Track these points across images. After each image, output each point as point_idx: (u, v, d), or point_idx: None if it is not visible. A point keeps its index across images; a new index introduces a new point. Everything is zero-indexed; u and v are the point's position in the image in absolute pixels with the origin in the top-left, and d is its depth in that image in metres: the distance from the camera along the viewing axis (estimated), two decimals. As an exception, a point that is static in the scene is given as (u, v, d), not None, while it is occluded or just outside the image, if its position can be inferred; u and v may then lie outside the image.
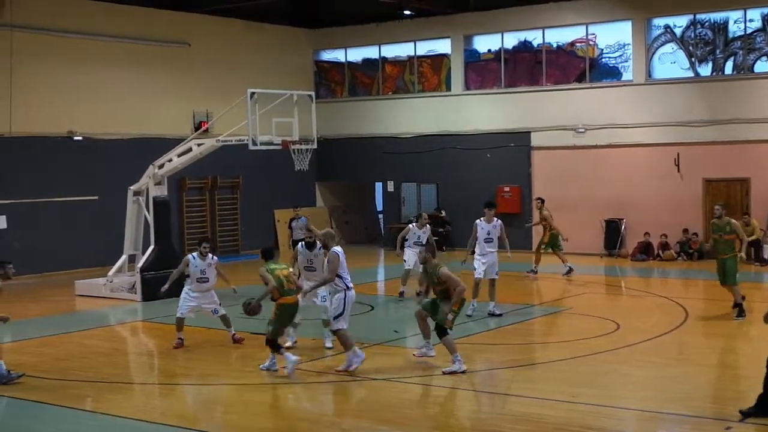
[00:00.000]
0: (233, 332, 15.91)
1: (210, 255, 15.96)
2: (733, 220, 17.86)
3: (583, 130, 28.53)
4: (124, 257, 22.14)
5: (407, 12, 31.08)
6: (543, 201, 24.76)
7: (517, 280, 23.40)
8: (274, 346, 13.58)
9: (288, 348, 14.48)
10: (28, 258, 25.00)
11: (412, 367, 13.99)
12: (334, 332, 13.74)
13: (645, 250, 26.93)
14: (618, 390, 12.48)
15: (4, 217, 24.85)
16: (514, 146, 29.69)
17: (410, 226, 20.37)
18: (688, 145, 26.86)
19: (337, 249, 13.62)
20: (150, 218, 21.58)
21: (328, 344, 15.15)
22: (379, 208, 34.98)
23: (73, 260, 25.71)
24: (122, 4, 27.46)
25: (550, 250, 24.22)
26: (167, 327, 17.05)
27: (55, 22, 26.07)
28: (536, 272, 23.86)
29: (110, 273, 21.97)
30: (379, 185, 34.28)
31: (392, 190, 32.66)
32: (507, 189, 29.45)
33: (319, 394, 12.85)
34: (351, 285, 13.65)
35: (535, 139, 29.47)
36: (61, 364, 14.67)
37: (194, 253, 15.93)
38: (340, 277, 13.55)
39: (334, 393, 12.84)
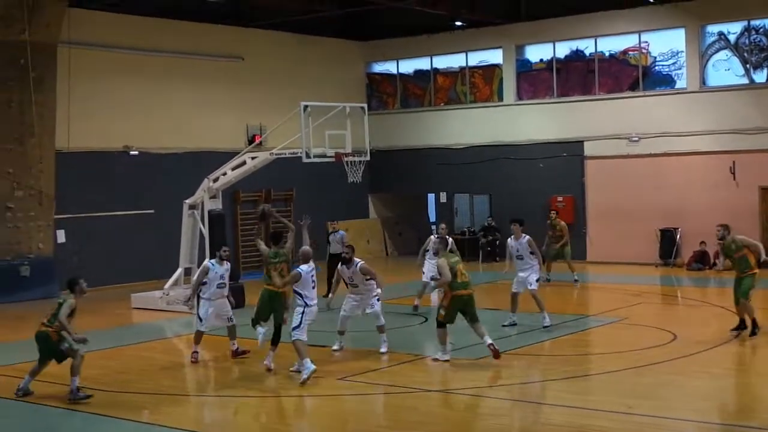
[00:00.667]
0: (236, 346, 15.90)
1: (226, 261, 16.14)
2: (739, 236, 16.76)
3: (636, 138, 28.33)
4: (179, 270, 22.37)
5: (459, 23, 31.13)
6: (558, 212, 25.57)
7: (571, 290, 23.29)
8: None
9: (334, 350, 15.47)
10: (85, 271, 25.12)
11: (468, 378, 13.99)
12: (293, 341, 14.01)
13: (701, 260, 26.63)
14: (675, 401, 12.36)
15: (62, 231, 25.27)
16: (567, 156, 29.57)
17: (432, 237, 20.27)
18: (743, 153, 26.55)
19: (303, 268, 14.01)
20: (205, 231, 21.79)
21: (383, 349, 15.44)
22: (432, 219, 34.99)
23: (129, 273, 26.07)
24: (177, 19, 27.85)
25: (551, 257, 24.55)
26: (223, 339, 17.22)
27: (112, 39, 26.52)
28: (578, 280, 24.13)
29: (166, 286, 22.22)
30: (431, 196, 34.31)
31: (445, 201, 32.67)
32: (560, 199, 29.31)
33: (374, 406, 12.90)
34: (311, 302, 14.04)
35: (589, 149, 29.32)
36: (121, 376, 14.87)
37: (212, 260, 16.18)
38: (300, 294, 13.96)
39: (389, 405, 12.87)
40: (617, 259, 28.03)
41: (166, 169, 27.35)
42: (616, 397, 12.44)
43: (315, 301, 14.19)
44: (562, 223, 24.90)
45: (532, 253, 17.86)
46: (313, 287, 14.15)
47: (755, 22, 26.64)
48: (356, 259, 15.73)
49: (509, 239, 18.24)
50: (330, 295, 19.60)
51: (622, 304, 20.77)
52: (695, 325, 18.15)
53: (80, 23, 24.90)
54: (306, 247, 14.89)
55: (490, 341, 14.64)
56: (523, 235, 17.99)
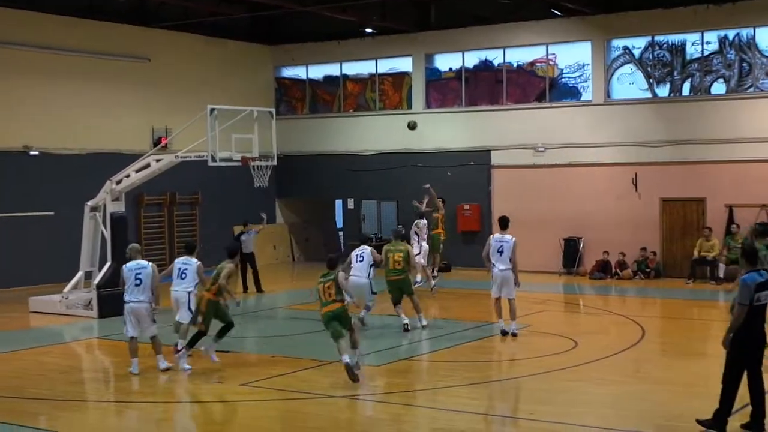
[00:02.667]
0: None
1: None
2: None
3: (542, 149, 28.70)
4: (80, 273, 21.87)
5: (369, 30, 31.15)
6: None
7: (475, 297, 23.43)
8: None
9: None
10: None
11: (372, 384, 13.94)
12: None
13: (603, 269, 27.08)
14: (576, 407, 12.49)
15: (-42, 231, 24.53)
16: (475, 165, 29.79)
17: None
18: (645, 165, 27.10)
19: (126, 265, 15.02)
20: (107, 234, 21.36)
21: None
22: (339, 225, 34.93)
23: (28, 276, 25.36)
24: (81, 18, 27.26)
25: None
26: (123, 344, 16.85)
27: (12, 36, 25.82)
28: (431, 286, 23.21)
29: (66, 289, 21.68)
30: (339, 202, 34.25)
31: (352, 207, 32.63)
32: (467, 207, 29.52)
33: (277, 411, 12.75)
34: (126, 299, 14.84)
35: (495, 158, 29.59)
36: (15, 381, 14.46)
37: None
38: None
39: (291, 411, 12.74)
40: (522, 268, 27.67)
41: (67, 170, 26.68)
42: (519, 404, 12.53)
43: (129, 298, 14.72)
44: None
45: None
46: (136, 284, 14.64)
47: (659, 38, 27.22)
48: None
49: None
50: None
51: (526, 311, 20.91)
52: (596, 333, 18.43)
53: (-21, 19, 24.24)
54: (133, 244, 15.56)
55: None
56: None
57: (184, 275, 15.67)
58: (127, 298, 14.81)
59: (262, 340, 17.36)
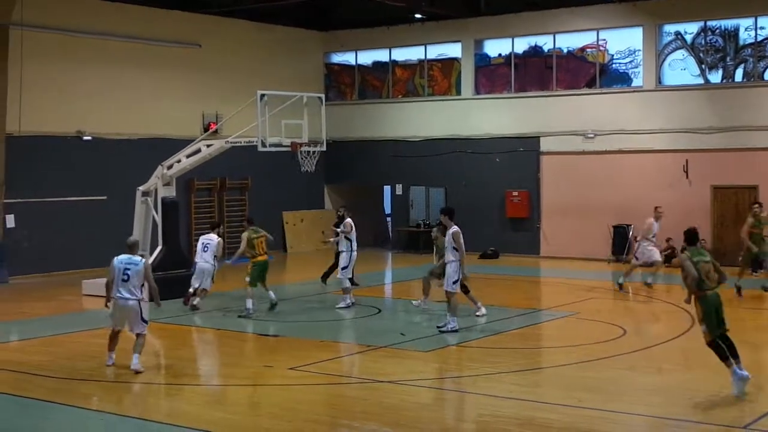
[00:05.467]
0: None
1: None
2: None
3: (592, 135, 28.50)
4: (131, 257, 22.09)
5: (418, 16, 31.11)
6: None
7: (523, 284, 23.38)
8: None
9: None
10: (35, 257, 25.12)
11: (418, 370, 14.00)
12: None
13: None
14: (624, 395, 12.45)
15: (12, 215, 24.88)
16: (523, 151, 29.67)
17: (649, 220, 22.78)
18: (697, 152, 26.81)
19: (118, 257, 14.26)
20: (158, 219, 21.59)
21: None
22: (388, 211, 34.96)
23: (80, 260, 25.70)
24: (133, 4, 27.53)
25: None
26: (173, 327, 17.09)
27: (65, 22, 26.14)
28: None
29: (118, 273, 21.91)
30: (387, 188, 34.29)
31: (401, 193, 32.66)
32: (516, 194, 29.43)
33: (324, 396, 12.86)
34: (114, 294, 14.14)
35: (545, 144, 29.45)
36: (68, 363, 14.70)
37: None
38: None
39: (339, 395, 12.84)
40: (570, 255, 28.21)
41: (119, 155, 27.02)
42: (566, 391, 12.50)
43: (115, 294, 13.93)
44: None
45: (454, 248, 16.40)
46: (123, 280, 13.88)
47: (711, 23, 26.89)
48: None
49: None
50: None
51: (574, 298, 20.89)
52: (645, 321, 18.32)
53: (33, 5, 24.52)
54: (130, 237, 15.02)
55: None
56: (453, 226, 16.71)
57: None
58: (114, 293, 13.96)
59: (310, 325, 17.46)
